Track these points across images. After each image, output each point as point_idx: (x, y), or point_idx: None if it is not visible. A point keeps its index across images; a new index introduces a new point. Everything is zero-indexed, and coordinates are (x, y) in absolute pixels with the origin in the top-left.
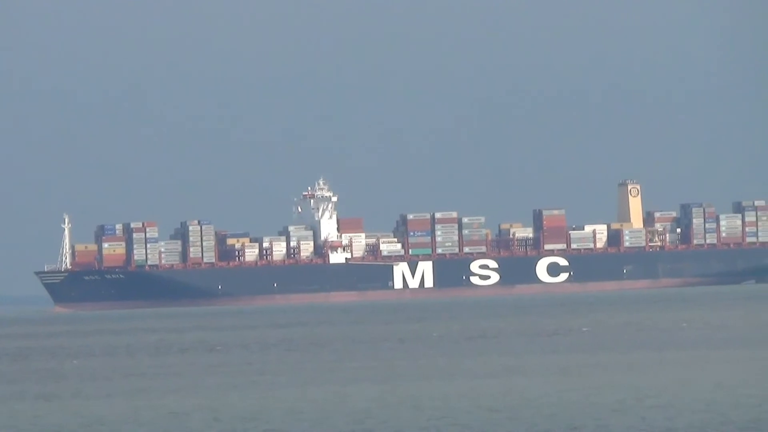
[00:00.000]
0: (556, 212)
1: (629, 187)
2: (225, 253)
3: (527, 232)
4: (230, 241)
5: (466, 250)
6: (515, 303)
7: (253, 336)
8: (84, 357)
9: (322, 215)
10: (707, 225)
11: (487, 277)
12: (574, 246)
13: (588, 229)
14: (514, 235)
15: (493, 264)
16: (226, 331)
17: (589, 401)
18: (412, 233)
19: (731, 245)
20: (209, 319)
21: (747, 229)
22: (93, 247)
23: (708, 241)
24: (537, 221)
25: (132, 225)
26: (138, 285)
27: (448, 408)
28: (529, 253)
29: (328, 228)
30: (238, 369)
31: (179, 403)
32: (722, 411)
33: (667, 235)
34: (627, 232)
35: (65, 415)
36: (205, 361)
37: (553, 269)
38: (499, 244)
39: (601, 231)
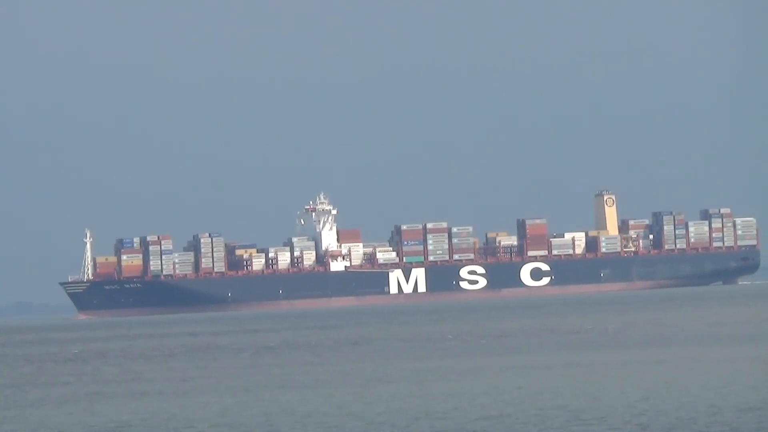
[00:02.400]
0: (538, 221)
1: (605, 198)
2: (234, 263)
3: (512, 240)
4: (239, 252)
5: (456, 257)
6: (509, 304)
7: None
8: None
9: (323, 227)
10: (677, 231)
11: (476, 282)
12: (555, 252)
13: (568, 236)
14: (499, 242)
15: (480, 270)
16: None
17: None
18: (405, 242)
19: (699, 250)
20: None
21: (714, 234)
22: (113, 259)
23: (678, 246)
24: (521, 230)
25: (148, 238)
26: (154, 293)
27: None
28: (513, 259)
29: (329, 239)
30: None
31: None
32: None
33: (641, 241)
34: (603, 238)
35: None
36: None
37: (536, 274)
38: (486, 252)
39: (580, 238)
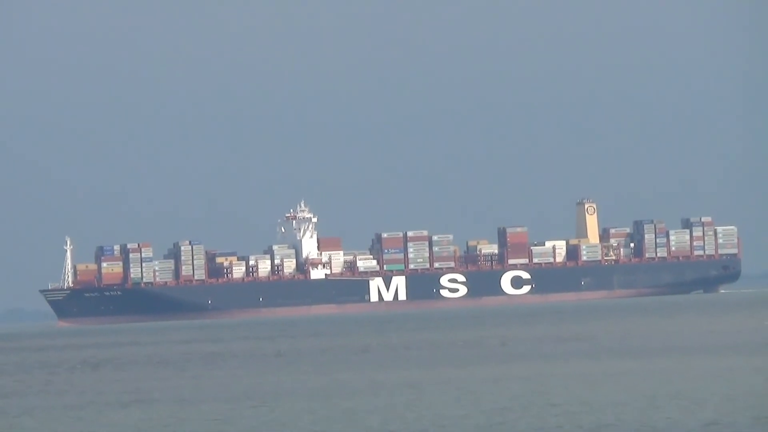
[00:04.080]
0: (518, 229)
1: (586, 206)
2: (214, 270)
3: (492, 248)
4: (219, 260)
5: (436, 265)
6: (500, 312)
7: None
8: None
9: (303, 235)
10: (658, 240)
11: (456, 290)
12: (535, 260)
13: (548, 244)
14: (480, 250)
15: (461, 278)
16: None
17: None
18: (386, 250)
19: (680, 258)
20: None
21: (694, 243)
22: (93, 266)
23: (659, 254)
24: (501, 238)
25: (128, 246)
26: (134, 301)
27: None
28: (494, 267)
29: (309, 246)
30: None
31: None
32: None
33: (621, 249)
34: (584, 247)
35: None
36: None
37: (517, 282)
38: (467, 260)
39: (561, 246)
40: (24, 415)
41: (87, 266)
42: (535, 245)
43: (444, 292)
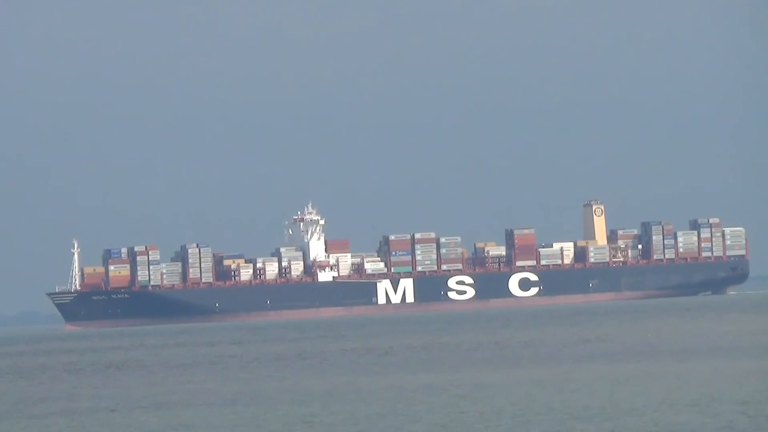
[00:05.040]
0: (526, 231)
1: (594, 208)
2: (221, 273)
3: (500, 250)
4: (226, 262)
5: (444, 267)
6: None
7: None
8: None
9: (311, 237)
10: (666, 241)
11: (464, 292)
12: (543, 262)
13: (556, 246)
14: (488, 252)
15: (468, 280)
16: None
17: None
18: (394, 253)
19: (688, 260)
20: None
21: (702, 244)
22: (100, 269)
23: (667, 256)
24: (509, 240)
25: (136, 249)
26: (142, 304)
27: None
28: (502, 269)
29: (317, 249)
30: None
31: None
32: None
33: (629, 251)
34: (592, 248)
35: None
36: None
37: (525, 284)
38: (475, 262)
39: (568, 248)
40: (58, 417)
41: (94, 269)
42: (543, 247)
43: (452, 295)
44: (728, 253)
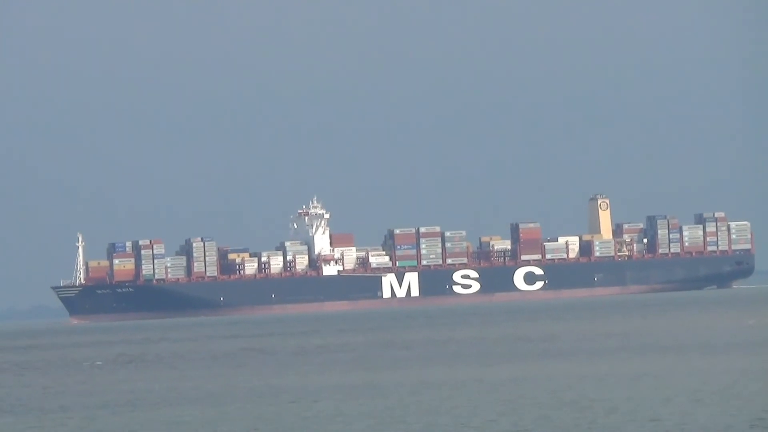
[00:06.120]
0: (531, 225)
1: (599, 201)
2: (226, 267)
3: (505, 244)
4: (231, 256)
5: (449, 261)
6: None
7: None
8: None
9: (315, 231)
10: (671, 235)
11: (469, 286)
12: (548, 256)
13: (561, 240)
14: (493, 246)
15: (474, 274)
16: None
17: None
18: (399, 246)
19: (693, 254)
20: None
21: (708, 238)
22: (105, 263)
23: (672, 250)
24: (514, 234)
25: (140, 242)
26: (146, 298)
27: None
28: (507, 263)
29: (322, 243)
30: None
31: None
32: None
33: (635, 245)
34: (597, 242)
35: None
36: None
37: (530, 278)
38: (480, 256)
39: (574, 242)
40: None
41: (99, 263)
42: (548, 241)
43: (456, 288)
44: (734, 247)
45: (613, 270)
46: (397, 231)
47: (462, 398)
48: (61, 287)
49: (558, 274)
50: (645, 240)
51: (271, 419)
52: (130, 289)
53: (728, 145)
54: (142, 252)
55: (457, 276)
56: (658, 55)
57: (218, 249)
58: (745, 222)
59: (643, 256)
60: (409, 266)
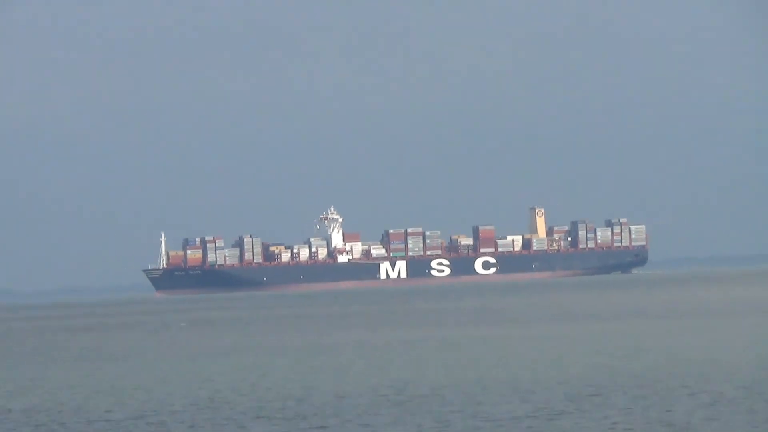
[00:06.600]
0: (488, 227)
1: (536, 210)
2: (268, 256)
3: (469, 241)
4: (271, 248)
5: (428, 252)
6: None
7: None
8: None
9: (332, 230)
10: (588, 235)
11: (442, 271)
12: (500, 249)
13: (509, 238)
14: (460, 242)
15: (446, 262)
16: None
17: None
18: (392, 242)
19: (604, 248)
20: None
21: (615, 237)
22: (180, 252)
23: (589, 245)
24: (475, 233)
25: (206, 238)
26: (210, 278)
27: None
28: (470, 254)
29: (337, 239)
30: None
31: None
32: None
33: (562, 242)
34: (535, 240)
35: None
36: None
37: (486, 265)
38: (450, 249)
39: (518, 240)
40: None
41: (176, 252)
42: (500, 239)
43: (433, 272)
44: (633, 243)
45: (546, 260)
46: (391, 231)
47: (451, 352)
48: (149, 269)
49: (507, 262)
50: (569, 238)
51: (311, 371)
52: (199, 272)
53: (632, 164)
54: (207, 245)
55: (434, 263)
56: (579, 98)
57: (262, 243)
58: (642, 225)
59: (568, 250)
60: (399, 256)
